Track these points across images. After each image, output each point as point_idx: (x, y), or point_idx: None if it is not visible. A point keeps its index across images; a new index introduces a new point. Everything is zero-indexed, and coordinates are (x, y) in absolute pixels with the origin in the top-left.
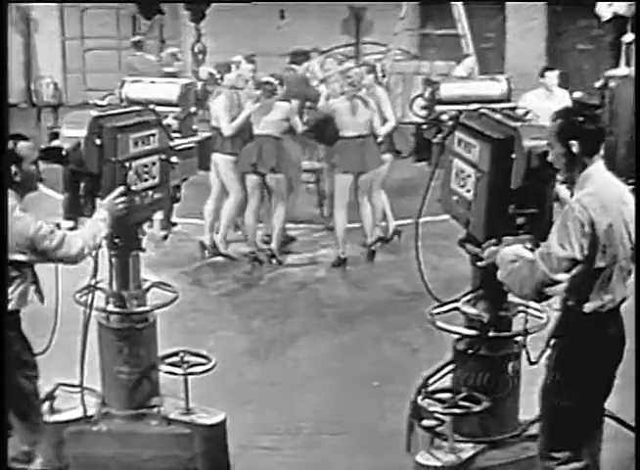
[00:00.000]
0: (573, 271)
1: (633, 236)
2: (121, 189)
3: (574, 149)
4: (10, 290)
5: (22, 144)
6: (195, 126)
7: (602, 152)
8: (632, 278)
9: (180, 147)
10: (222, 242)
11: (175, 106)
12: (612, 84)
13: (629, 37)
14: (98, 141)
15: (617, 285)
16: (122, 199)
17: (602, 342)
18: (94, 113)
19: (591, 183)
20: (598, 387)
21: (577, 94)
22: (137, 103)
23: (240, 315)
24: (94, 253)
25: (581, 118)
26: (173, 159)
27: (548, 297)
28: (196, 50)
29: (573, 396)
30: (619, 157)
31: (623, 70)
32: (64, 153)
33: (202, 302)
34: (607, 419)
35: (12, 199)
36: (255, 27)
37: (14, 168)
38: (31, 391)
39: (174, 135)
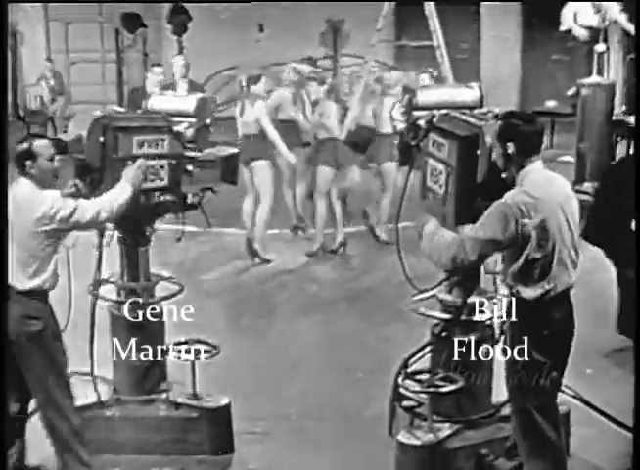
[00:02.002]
0: (508, 262)
1: (576, 229)
2: (142, 160)
3: (510, 150)
4: (48, 268)
5: (38, 142)
6: (210, 138)
7: (542, 153)
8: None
9: (201, 158)
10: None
11: (192, 117)
12: (584, 92)
13: (601, 47)
14: (101, 139)
15: (557, 274)
16: (143, 170)
17: (547, 326)
18: (97, 113)
19: (528, 181)
20: (548, 367)
21: (551, 103)
22: (157, 113)
23: (228, 309)
24: (103, 242)
25: (518, 122)
26: (189, 167)
27: (474, 276)
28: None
29: (528, 375)
30: (590, 161)
31: (595, 78)
32: (62, 143)
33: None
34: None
35: (30, 184)
36: (235, 41)
37: (29, 163)
38: (65, 362)
39: (189, 145)
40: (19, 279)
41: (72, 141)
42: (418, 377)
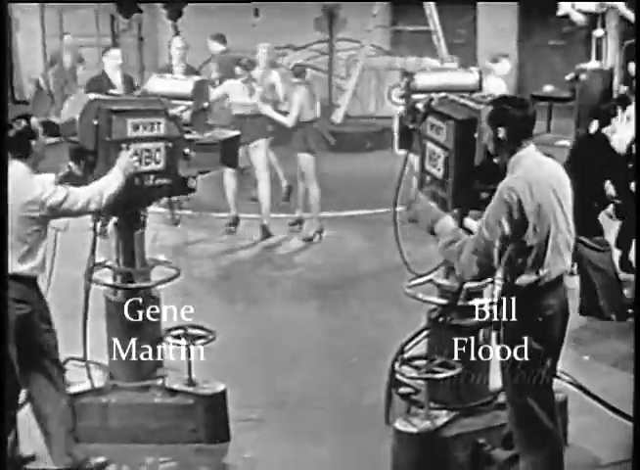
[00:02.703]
0: (512, 251)
1: (569, 213)
2: (136, 147)
3: (501, 135)
4: (36, 255)
5: (33, 120)
6: (209, 121)
7: (533, 137)
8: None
9: (199, 141)
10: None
11: (190, 99)
12: (582, 77)
13: (599, 32)
14: (95, 121)
15: (552, 260)
16: (136, 158)
17: (541, 312)
18: (91, 96)
19: (520, 167)
20: (543, 354)
21: (548, 87)
22: (153, 96)
23: (223, 297)
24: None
25: (509, 106)
26: (186, 150)
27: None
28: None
29: (521, 362)
30: None
31: (594, 63)
32: (55, 126)
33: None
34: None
35: (24, 168)
36: (230, 25)
37: (34, 142)
38: (55, 344)
39: (186, 128)
40: (10, 262)
41: (65, 124)
42: (415, 363)
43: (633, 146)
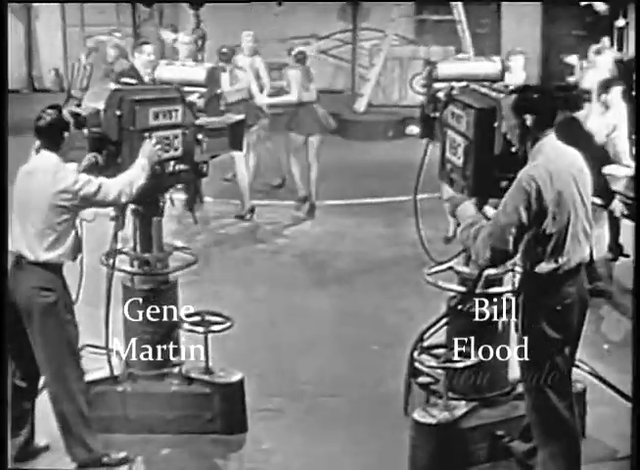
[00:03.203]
0: (525, 238)
1: (588, 201)
2: (158, 136)
3: (528, 122)
4: (65, 243)
5: (65, 111)
6: (221, 107)
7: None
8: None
9: (210, 126)
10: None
11: (203, 87)
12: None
13: (621, 22)
14: (118, 112)
15: (571, 248)
16: (159, 146)
17: (560, 300)
18: (114, 86)
19: (541, 155)
20: (561, 343)
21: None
22: (168, 84)
23: (243, 284)
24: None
25: (536, 94)
26: (199, 136)
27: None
28: (195, 36)
29: (540, 351)
30: None
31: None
32: (82, 118)
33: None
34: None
35: (55, 157)
36: (253, 14)
37: (66, 134)
38: (76, 335)
39: (199, 114)
40: (33, 250)
41: (89, 115)
42: (434, 352)
43: (614, 134)
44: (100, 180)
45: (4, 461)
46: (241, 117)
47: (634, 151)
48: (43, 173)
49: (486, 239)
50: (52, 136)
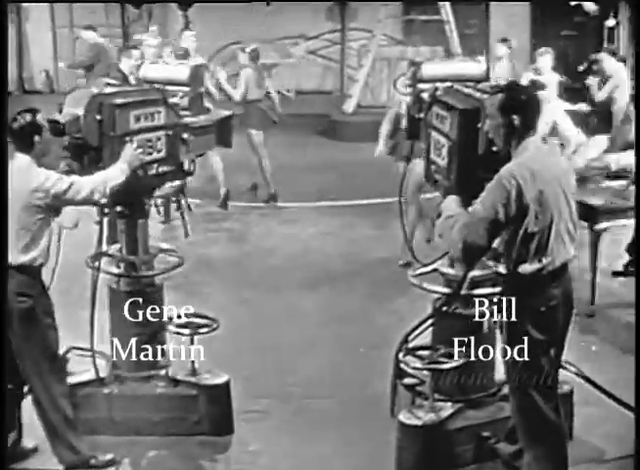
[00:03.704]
0: (505, 236)
1: (573, 202)
2: (139, 139)
3: (516, 122)
4: (39, 244)
5: (39, 115)
6: (206, 105)
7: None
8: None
9: (195, 124)
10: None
11: (186, 85)
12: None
13: (611, 22)
14: (98, 117)
15: (555, 248)
16: (140, 150)
17: (545, 302)
18: (94, 90)
19: (526, 153)
20: (546, 345)
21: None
22: (153, 83)
23: (231, 285)
24: (103, 219)
25: (523, 94)
26: (184, 135)
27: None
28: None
29: (524, 353)
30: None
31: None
32: (60, 126)
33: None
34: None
35: (27, 159)
36: (241, 15)
37: (37, 138)
38: (56, 339)
39: (183, 113)
40: (11, 253)
41: (69, 122)
42: (419, 353)
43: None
44: (72, 178)
45: (4, 462)
46: (228, 112)
47: (634, 150)
48: (17, 174)
49: (462, 229)
50: (23, 139)
